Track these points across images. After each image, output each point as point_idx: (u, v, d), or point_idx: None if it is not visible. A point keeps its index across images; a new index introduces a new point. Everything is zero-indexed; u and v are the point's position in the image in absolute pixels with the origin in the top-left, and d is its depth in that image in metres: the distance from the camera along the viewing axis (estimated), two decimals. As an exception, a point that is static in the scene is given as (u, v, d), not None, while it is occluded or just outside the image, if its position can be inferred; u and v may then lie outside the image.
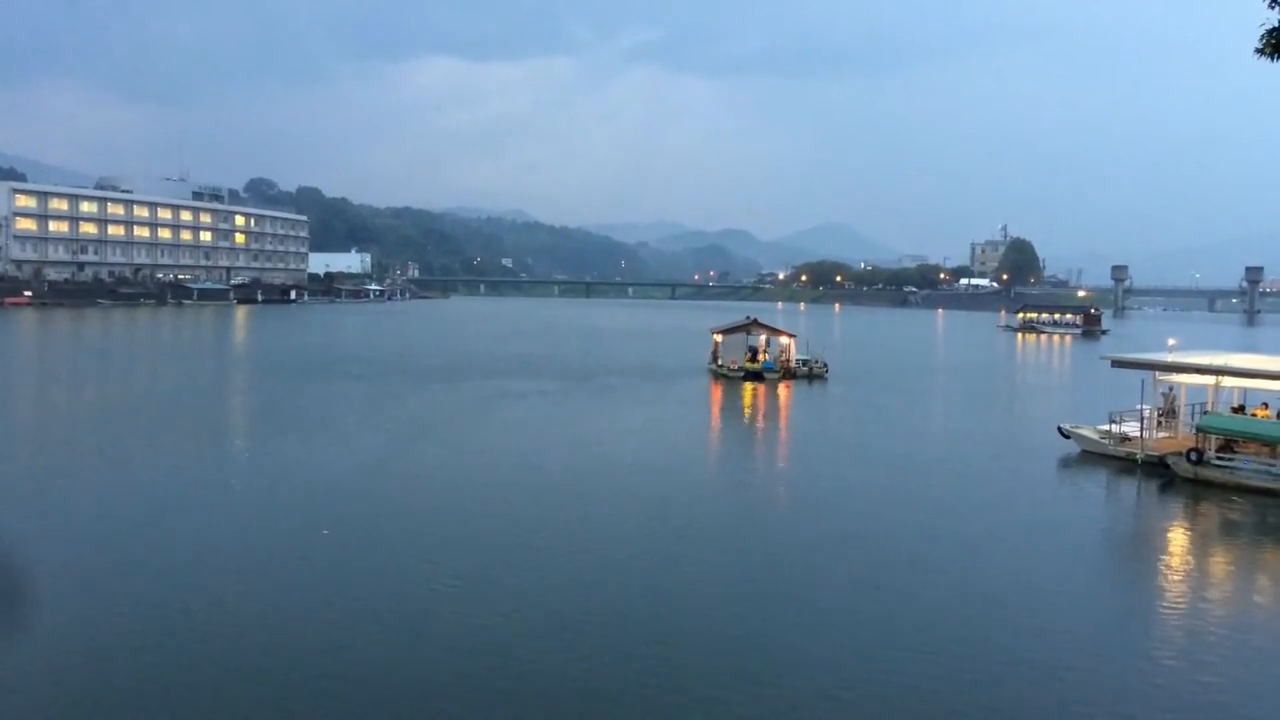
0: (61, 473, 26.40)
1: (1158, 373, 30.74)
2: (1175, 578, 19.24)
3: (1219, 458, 27.01)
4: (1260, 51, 10.87)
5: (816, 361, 55.62)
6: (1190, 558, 20.98)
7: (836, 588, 17.50)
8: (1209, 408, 30.53)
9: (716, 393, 48.56)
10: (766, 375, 53.12)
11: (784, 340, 56.48)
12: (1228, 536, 22.74)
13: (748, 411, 43.20)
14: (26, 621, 14.90)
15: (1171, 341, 34.17)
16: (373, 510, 22.27)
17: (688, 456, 31.13)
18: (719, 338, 57.36)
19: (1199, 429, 28.18)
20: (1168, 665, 14.27)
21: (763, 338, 56.69)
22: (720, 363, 55.34)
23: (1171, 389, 31.99)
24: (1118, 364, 33.62)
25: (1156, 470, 28.29)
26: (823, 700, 12.72)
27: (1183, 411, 31.68)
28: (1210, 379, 29.91)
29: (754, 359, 54.55)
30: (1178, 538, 22.82)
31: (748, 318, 60.32)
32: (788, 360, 54.87)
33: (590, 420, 37.76)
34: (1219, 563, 20.62)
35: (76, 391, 46.11)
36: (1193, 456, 27.33)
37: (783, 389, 49.85)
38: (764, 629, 15.16)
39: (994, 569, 18.89)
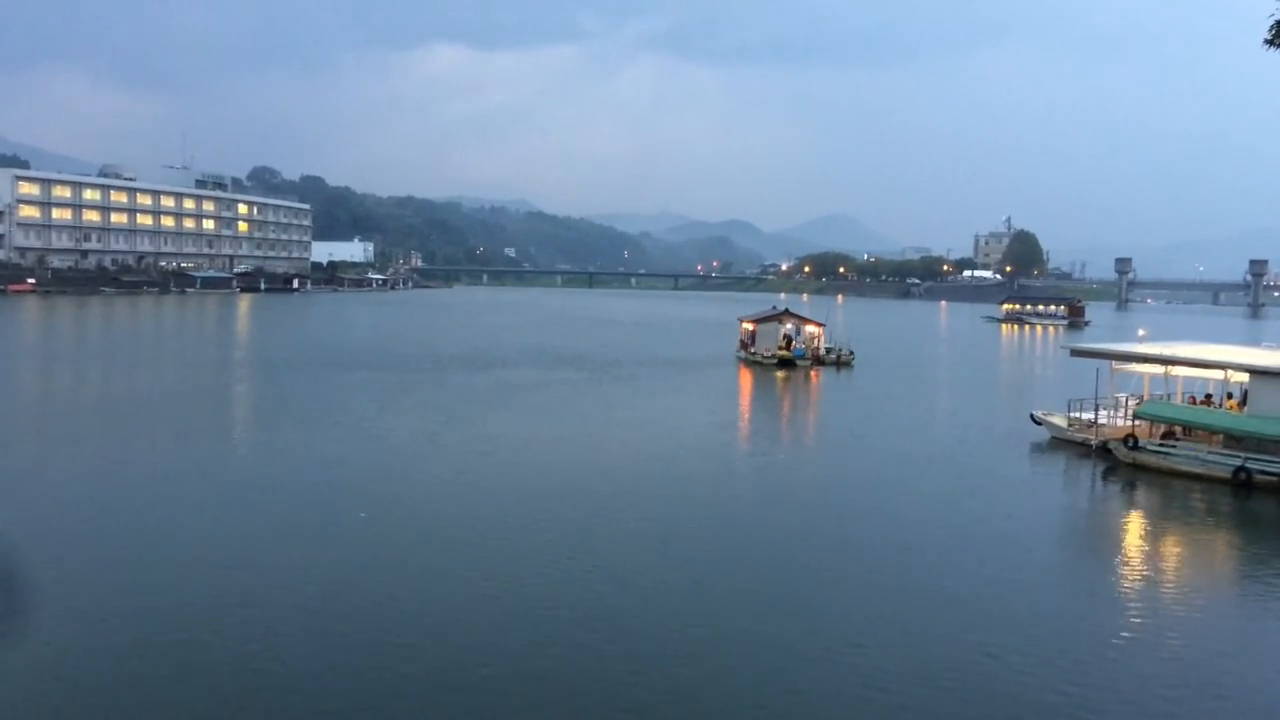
0: (82, 467, 25.81)
1: (1114, 362, 31.97)
2: (1093, 554, 20.88)
3: (1159, 444, 27.97)
4: (1269, 43, 10.85)
5: (844, 350, 58.06)
6: (1109, 536, 22.41)
7: (834, 578, 17.70)
8: (1175, 397, 31.86)
9: (755, 381, 50.15)
10: (798, 363, 55.39)
11: (812, 329, 58.86)
12: (1149, 518, 24.00)
13: (786, 399, 44.97)
14: (56, 617, 14.50)
15: (1141, 332, 36.75)
16: (408, 500, 22.10)
17: (744, 444, 32.48)
18: (750, 326, 59.68)
19: (1136, 416, 29.24)
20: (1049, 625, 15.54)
21: (789, 326, 58.54)
22: (753, 350, 57.51)
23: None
24: (1076, 353, 35.65)
25: (1106, 455, 29.41)
26: (809, 690, 12.80)
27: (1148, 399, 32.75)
28: (1160, 368, 30.98)
29: (787, 347, 56.40)
30: (1107, 520, 24.35)
31: (774, 308, 62.84)
32: (817, 349, 57.34)
33: (635, 409, 38.00)
34: (1128, 539, 21.94)
35: (90, 383, 45.59)
36: (1130, 442, 28.28)
37: (814, 376, 52.00)
38: (760, 626, 15.03)
39: (956, 551, 19.51)
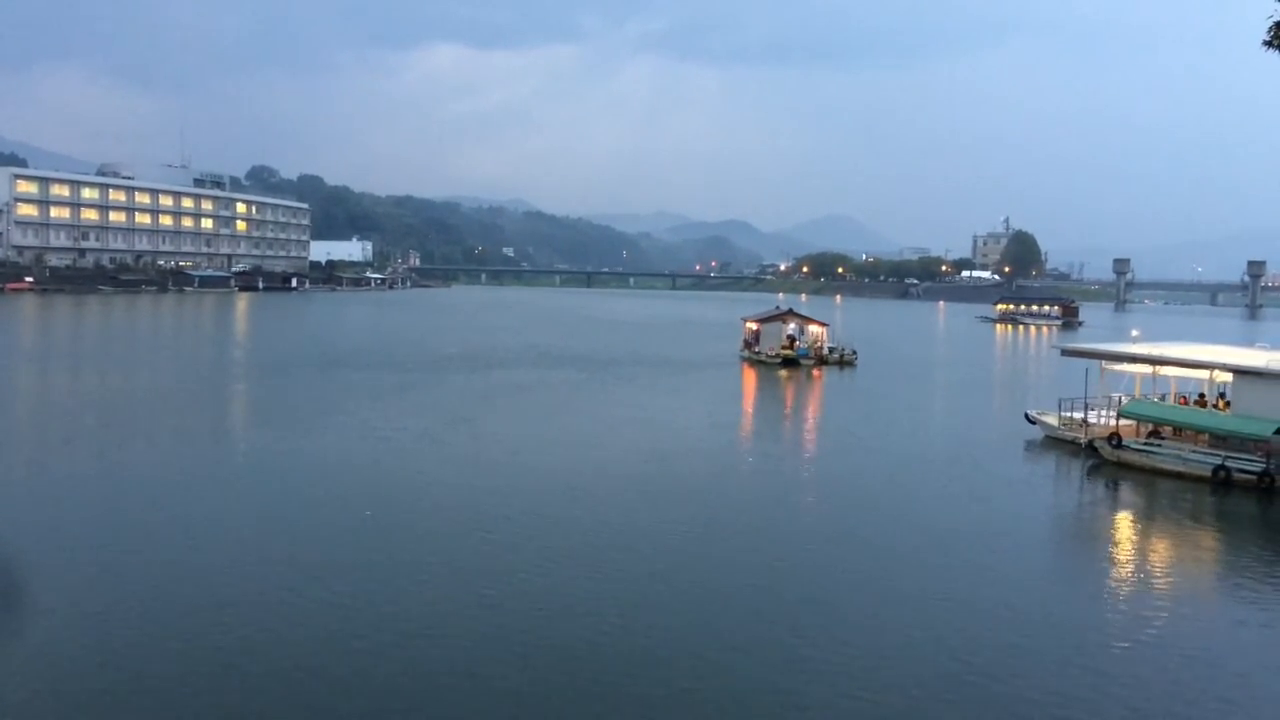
0: (81, 467, 25.90)
1: (1104, 362, 32.45)
2: (1080, 553, 21.29)
3: (1143, 443, 28.42)
4: (1268, 44, 10.85)
5: (846, 350, 58.84)
6: (1095, 535, 22.77)
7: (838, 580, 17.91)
8: (1169, 397, 32.38)
9: (759, 380, 50.70)
10: (802, 362, 56.14)
11: (815, 329, 59.61)
12: (1131, 516, 24.46)
13: (790, 398, 45.57)
14: (56, 617, 14.58)
15: (1135, 333, 36.82)
16: (410, 499, 22.17)
17: (749, 444, 33.17)
18: (753, 326, 60.39)
19: (1120, 415, 29.42)
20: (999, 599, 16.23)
21: (792, 325, 59.25)
22: (757, 349, 58.19)
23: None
24: (1067, 353, 36.84)
25: (1094, 453, 29.81)
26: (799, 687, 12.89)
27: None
28: (1149, 368, 31.52)
29: (791, 347, 57.12)
30: (1094, 519, 24.80)
31: (777, 308, 63.79)
32: (820, 348, 58.03)
33: (638, 409, 38.18)
34: (1112, 537, 22.40)
35: (88, 382, 45.64)
36: (1114, 441, 28.75)
37: (817, 375, 52.73)
38: (755, 629, 15.09)
39: (953, 552, 19.73)
